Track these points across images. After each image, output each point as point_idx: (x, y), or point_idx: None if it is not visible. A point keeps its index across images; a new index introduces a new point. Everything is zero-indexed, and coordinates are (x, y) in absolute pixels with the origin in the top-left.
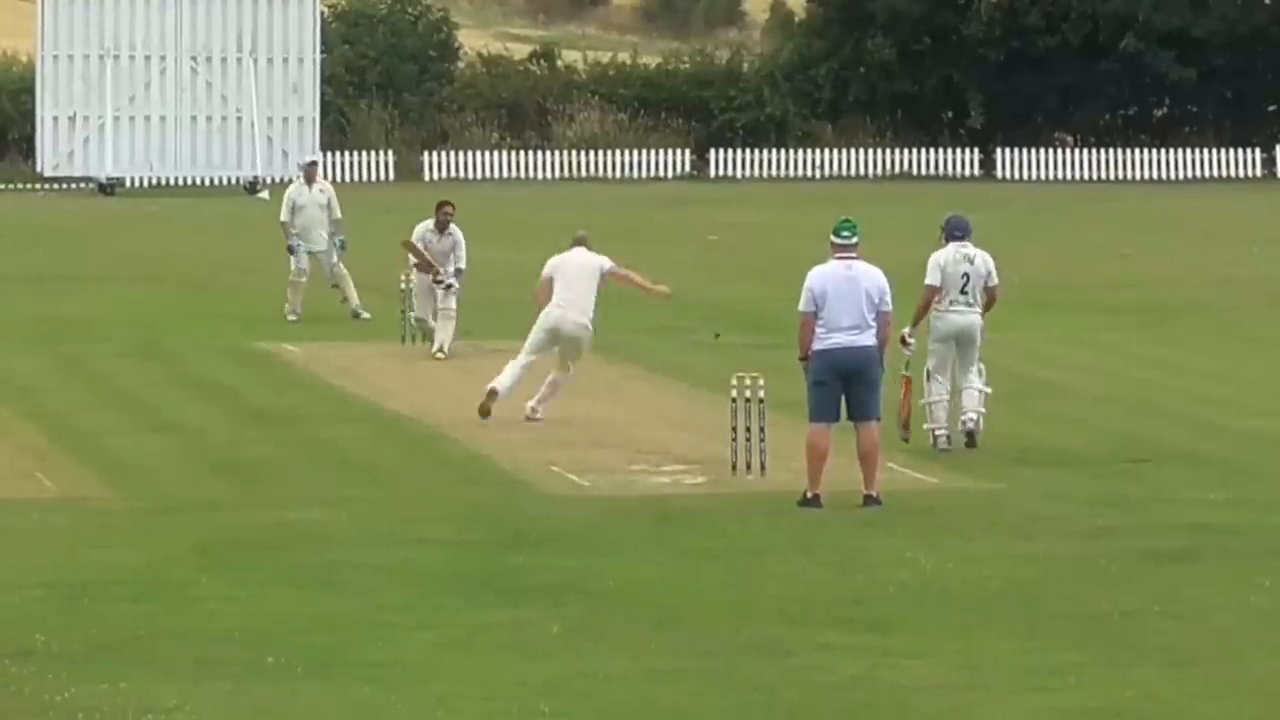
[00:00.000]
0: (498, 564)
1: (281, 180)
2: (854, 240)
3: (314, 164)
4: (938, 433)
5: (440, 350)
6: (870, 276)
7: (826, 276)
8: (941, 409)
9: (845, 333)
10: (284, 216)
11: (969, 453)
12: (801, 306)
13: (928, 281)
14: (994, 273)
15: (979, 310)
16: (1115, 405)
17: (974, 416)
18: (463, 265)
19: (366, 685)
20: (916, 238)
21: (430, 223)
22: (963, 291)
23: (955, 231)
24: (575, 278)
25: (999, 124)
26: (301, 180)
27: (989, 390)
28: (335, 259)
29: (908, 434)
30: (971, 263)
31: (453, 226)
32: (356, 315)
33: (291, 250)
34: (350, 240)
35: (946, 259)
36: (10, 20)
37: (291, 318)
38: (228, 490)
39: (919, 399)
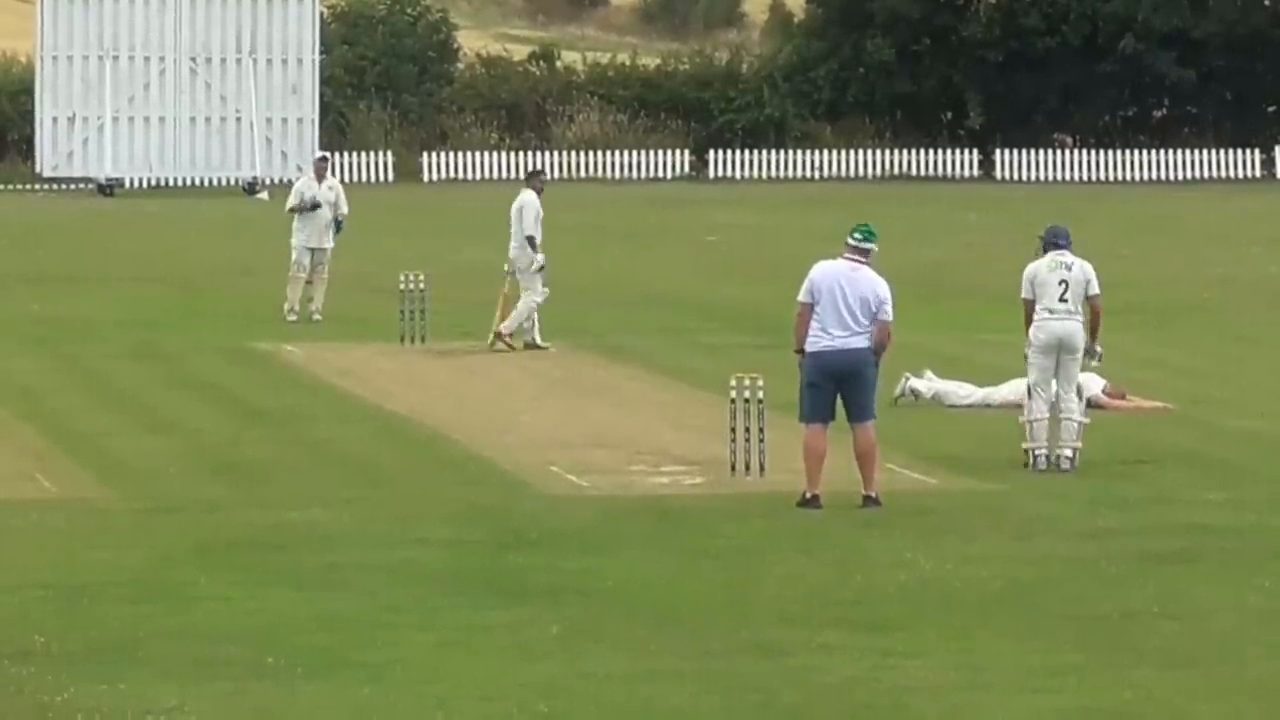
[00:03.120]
0: (498, 564)
1: (280, 181)
2: (867, 245)
3: (324, 160)
4: (1037, 452)
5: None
6: (873, 283)
7: (829, 272)
8: (1042, 428)
9: (838, 334)
10: (291, 203)
11: (967, 453)
12: (800, 296)
13: (1021, 296)
14: (1094, 281)
15: (1080, 318)
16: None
17: (1070, 453)
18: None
19: (367, 686)
20: (917, 239)
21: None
22: (1061, 299)
23: (1054, 240)
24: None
25: (998, 125)
26: (311, 176)
27: (1087, 420)
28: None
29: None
30: (1069, 269)
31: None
32: (312, 317)
33: (300, 207)
34: (348, 241)
35: (1039, 268)
36: (10, 21)
37: (291, 317)
38: (227, 491)
39: (1020, 416)
